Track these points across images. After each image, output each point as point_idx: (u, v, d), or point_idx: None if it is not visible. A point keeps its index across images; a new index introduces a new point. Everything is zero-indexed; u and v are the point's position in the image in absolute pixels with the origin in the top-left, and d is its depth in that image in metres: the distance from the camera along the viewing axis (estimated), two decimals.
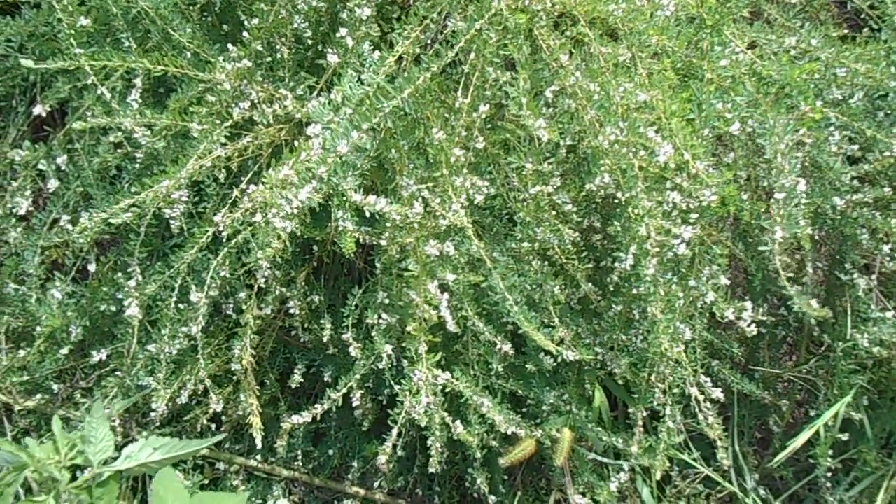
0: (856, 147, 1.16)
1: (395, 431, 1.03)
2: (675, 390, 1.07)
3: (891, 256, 1.23)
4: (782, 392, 1.43)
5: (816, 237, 1.29)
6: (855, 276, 1.26)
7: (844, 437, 1.32)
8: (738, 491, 1.38)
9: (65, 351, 1.25)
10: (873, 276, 1.26)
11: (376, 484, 1.38)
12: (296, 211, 0.84)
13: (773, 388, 1.43)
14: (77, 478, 0.89)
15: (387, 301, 1.11)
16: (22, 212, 1.25)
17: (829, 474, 1.35)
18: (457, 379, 1.01)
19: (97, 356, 1.22)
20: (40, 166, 1.25)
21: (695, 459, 1.41)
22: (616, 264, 1.02)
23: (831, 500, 1.36)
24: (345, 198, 0.95)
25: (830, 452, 1.34)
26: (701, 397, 1.06)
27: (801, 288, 1.34)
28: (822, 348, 1.43)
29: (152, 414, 1.20)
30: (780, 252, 0.93)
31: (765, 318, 1.02)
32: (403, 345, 1.00)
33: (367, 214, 1.02)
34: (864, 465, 1.36)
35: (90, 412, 0.90)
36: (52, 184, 1.21)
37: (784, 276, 0.92)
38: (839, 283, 1.29)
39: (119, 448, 0.92)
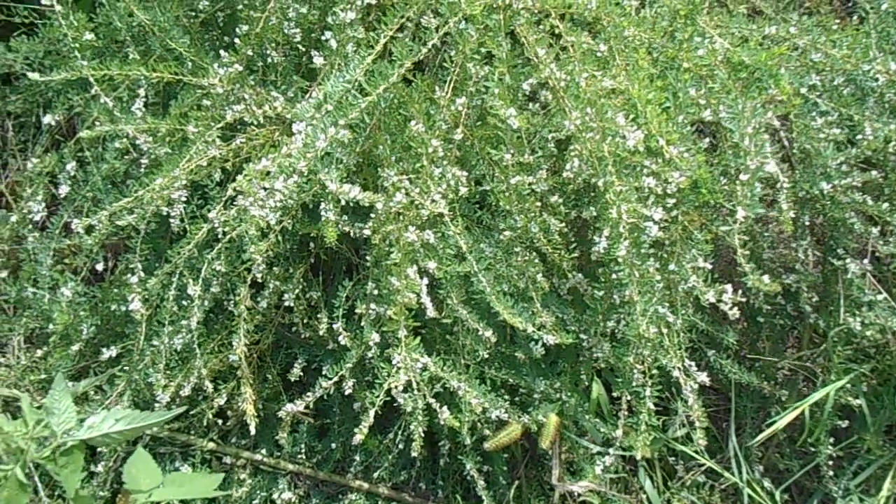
0: (838, 132, 1.17)
1: (371, 413, 1.06)
2: (655, 371, 1.08)
3: (882, 240, 1.23)
4: (783, 382, 1.43)
5: (808, 223, 1.29)
6: (847, 260, 1.26)
7: (844, 423, 1.31)
8: (739, 481, 1.38)
9: (76, 348, 1.31)
10: (866, 261, 1.25)
11: (376, 475, 1.40)
12: (275, 200, 0.89)
13: (773, 379, 1.43)
14: None
15: (375, 292, 1.15)
16: (37, 218, 1.33)
17: (830, 462, 1.34)
18: (436, 364, 1.03)
19: (107, 353, 1.28)
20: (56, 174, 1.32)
21: (696, 451, 1.41)
22: (593, 248, 1.05)
23: (835, 489, 1.34)
24: (325, 189, 0.99)
25: (831, 440, 1.33)
26: (685, 380, 1.07)
27: (796, 276, 1.35)
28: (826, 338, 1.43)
29: (156, 406, 1.25)
30: (739, 231, 0.94)
31: (743, 300, 1.03)
32: (384, 329, 1.03)
33: (352, 206, 1.06)
34: (868, 454, 1.35)
35: (53, 385, 0.95)
36: (63, 189, 1.28)
37: (741, 253, 0.94)
38: (833, 269, 1.29)
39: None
